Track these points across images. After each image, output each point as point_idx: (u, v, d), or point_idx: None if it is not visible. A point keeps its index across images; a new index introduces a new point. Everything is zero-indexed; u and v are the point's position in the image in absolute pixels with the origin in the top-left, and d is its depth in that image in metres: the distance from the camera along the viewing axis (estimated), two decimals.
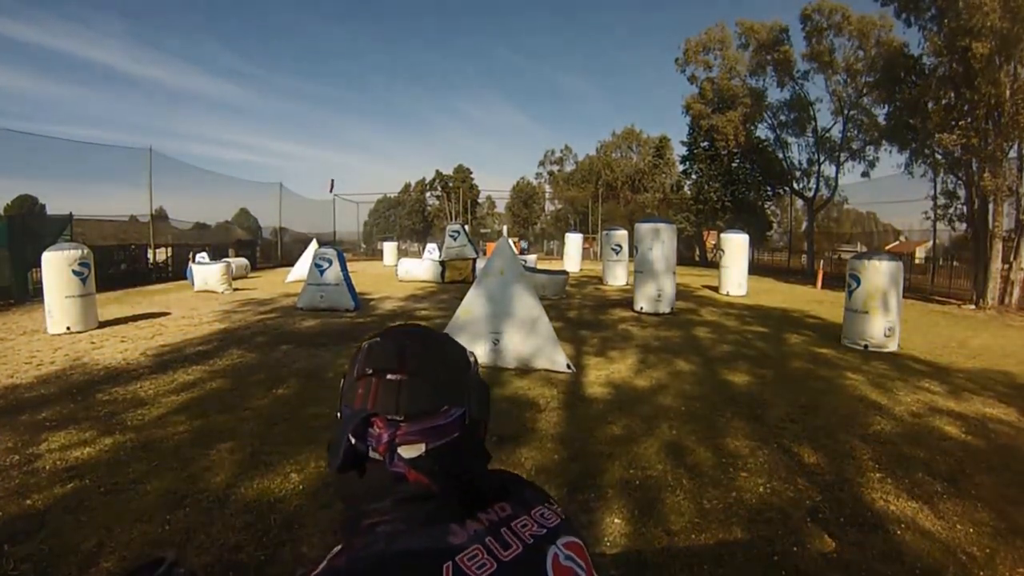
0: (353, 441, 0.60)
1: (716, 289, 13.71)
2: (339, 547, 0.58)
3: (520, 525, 0.63)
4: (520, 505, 0.66)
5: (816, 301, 12.39)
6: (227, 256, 17.44)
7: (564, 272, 13.34)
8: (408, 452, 0.61)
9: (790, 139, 24.06)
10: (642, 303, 9.75)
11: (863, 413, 4.48)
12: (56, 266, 7.49)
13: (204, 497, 2.89)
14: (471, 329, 5.66)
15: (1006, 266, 12.03)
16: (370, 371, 0.63)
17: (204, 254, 15.20)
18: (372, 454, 0.61)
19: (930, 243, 17.99)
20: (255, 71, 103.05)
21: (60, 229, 13.16)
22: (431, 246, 20.00)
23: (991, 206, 12.37)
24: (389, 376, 0.62)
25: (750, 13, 38.08)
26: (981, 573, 2.36)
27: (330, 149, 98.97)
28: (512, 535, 0.61)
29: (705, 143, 25.84)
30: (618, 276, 15.33)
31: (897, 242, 23.44)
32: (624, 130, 41.51)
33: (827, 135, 22.50)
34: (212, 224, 24.08)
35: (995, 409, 4.66)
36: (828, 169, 22.79)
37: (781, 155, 24.39)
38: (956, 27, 11.42)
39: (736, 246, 13.51)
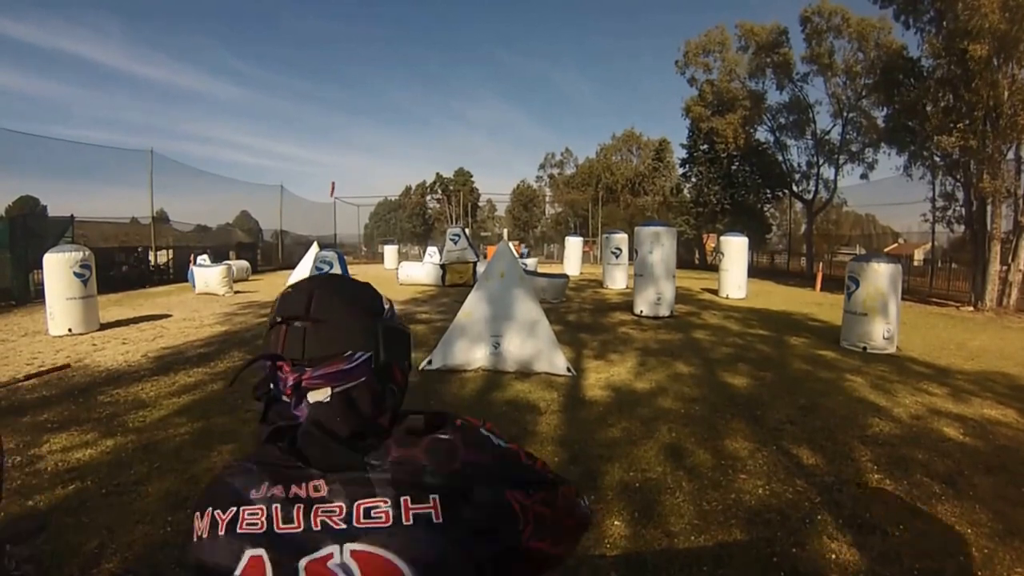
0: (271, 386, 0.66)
1: (716, 292, 13.72)
2: None
3: (324, 511, 0.60)
4: (346, 492, 0.61)
5: (815, 303, 12.41)
6: (228, 258, 17.45)
7: (564, 275, 13.36)
8: (316, 396, 0.65)
9: (789, 141, 24.24)
10: (642, 306, 9.76)
11: (862, 415, 4.49)
12: (57, 268, 7.52)
13: None
14: (472, 332, 5.67)
15: (1004, 268, 12.04)
16: (279, 319, 0.68)
17: (205, 256, 15.18)
18: (284, 398, 0.66)
19: (929, 245, 18.01)
20: (256, 72, 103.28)
21: (61, 231, 13.21)
22: (432, 249, 19.95)
23: (989, 208, 12.39)
24: (296, 323, 0.67)
25: (750, 15, 38.23)
26: (979, 574, 2.37)
27: (331, 151, 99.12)
28: (303, 516, 0.60)
29: (705, 146, 25.86)
30: (618, 280, 15.33)
31: (896, 244, 23.44)
32: (624, 133, 41.40)
33: (826, 137, 22.61)
34: (213, 226, 24.16)
35: (994, 411, 4.67)
36: (827, 171, 22.94)
37: (780, 157, 24.50)
38: (954, 29, 11.47)
39: (736, 249, 13.53)
